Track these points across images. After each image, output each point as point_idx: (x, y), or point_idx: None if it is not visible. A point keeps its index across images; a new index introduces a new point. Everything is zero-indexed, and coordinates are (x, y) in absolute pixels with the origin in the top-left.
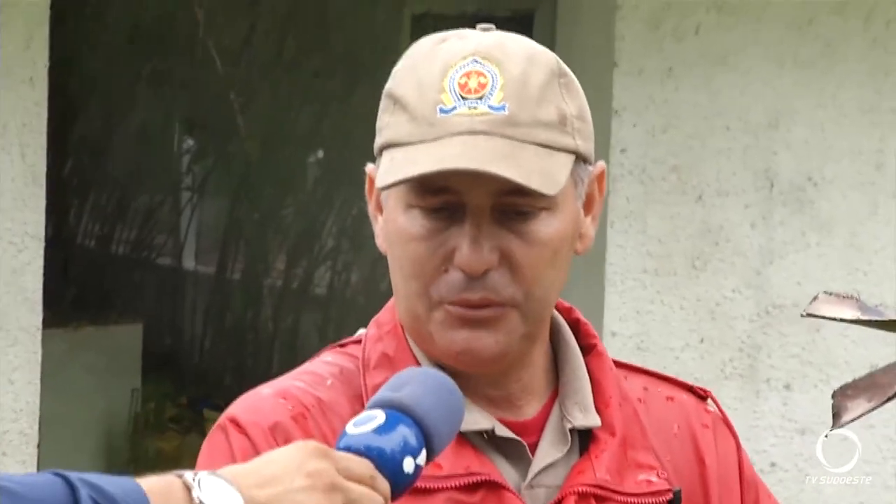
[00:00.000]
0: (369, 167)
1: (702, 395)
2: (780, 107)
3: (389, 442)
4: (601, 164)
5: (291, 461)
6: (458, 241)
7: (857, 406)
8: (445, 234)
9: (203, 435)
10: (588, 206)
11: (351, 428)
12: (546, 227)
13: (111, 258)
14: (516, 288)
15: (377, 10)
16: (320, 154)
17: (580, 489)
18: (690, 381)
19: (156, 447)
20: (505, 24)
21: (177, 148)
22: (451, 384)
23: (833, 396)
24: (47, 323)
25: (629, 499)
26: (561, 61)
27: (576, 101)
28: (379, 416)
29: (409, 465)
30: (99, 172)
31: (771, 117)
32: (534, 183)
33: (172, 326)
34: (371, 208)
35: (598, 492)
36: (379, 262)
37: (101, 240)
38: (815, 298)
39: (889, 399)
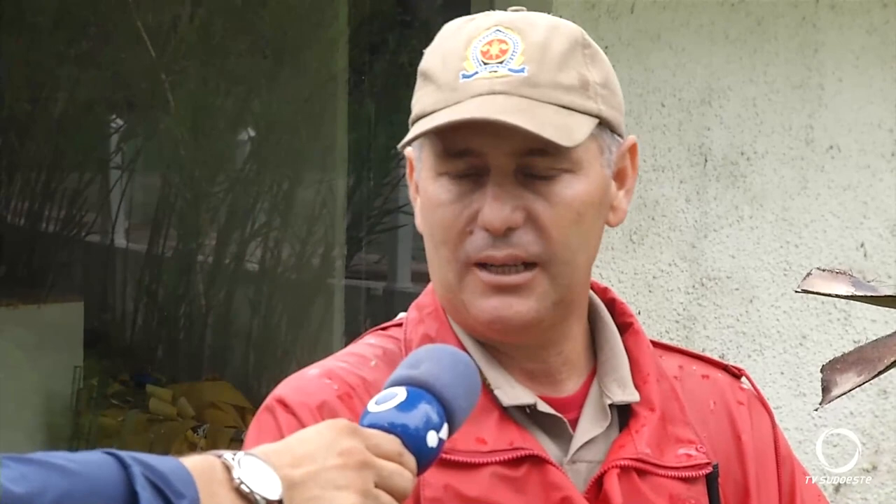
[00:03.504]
0: (406, 150)
1: (736, 374)
2: (712, 83)
3: (412, 418)
4: (632, 137)
5: (322, 440)
6: (482, 201)
7: (846, 380)
8: (471, 197)
9: (145, 410)
10: (620, 179)
11: (373, 406)
12: (568, 188)
13: (42, 237)
14: (542, 246)
15: None
16: (251, 132)
17: (622, 463)
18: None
19: (98, 423)
20: (442, 5)
21: (106, 127)
22: (466, 359)
23: (822, 371)
24: None
25: (670, 472)
26: (587, 35)
27: (601, 72)
28: (400, 394)
29: (432, 439)
30: (26, 152)
31: (704, 94)
32: (547, 133)
33: (106, 303)
34: (411, 191)
35: (640, 465)
36: (310, 237)
37: (31, 218)
38: (808, 274)
39: (879, 373)
